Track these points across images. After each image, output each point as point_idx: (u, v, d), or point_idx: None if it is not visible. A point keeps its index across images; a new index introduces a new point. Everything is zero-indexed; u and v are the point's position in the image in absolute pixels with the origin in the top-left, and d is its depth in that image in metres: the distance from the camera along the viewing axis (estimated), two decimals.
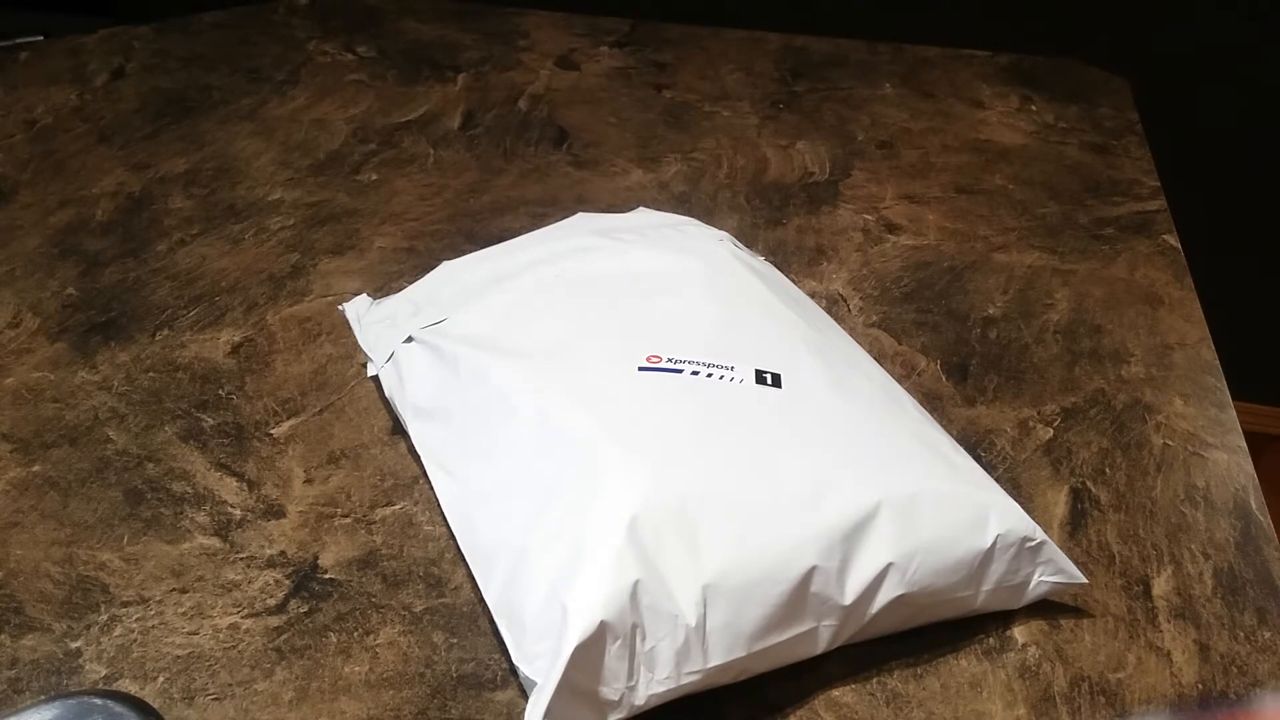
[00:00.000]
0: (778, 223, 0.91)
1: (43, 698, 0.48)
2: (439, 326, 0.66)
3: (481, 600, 0.57)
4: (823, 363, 0.61)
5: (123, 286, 0.80)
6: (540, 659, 0.49)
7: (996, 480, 0.61)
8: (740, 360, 0.60)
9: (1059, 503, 0.65)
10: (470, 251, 0.77)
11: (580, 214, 0.78)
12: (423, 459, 0.62)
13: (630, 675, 0.49)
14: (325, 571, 0.59)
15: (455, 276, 0.72)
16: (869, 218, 0.92)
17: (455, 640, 0.55)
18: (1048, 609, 0.58)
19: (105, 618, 0.56)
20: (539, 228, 0.78)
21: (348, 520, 0.62)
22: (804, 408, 0.58)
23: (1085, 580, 0.57)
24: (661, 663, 0.49)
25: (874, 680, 0.54)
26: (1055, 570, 0.56)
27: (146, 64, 1.14)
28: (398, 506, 0.63)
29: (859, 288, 0.83)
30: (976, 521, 0.55)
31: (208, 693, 0.52)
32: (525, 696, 0.52)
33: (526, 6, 1.33)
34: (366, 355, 0.69)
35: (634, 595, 0.48)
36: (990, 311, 0.81)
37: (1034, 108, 1.11)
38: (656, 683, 0.49)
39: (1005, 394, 0.73)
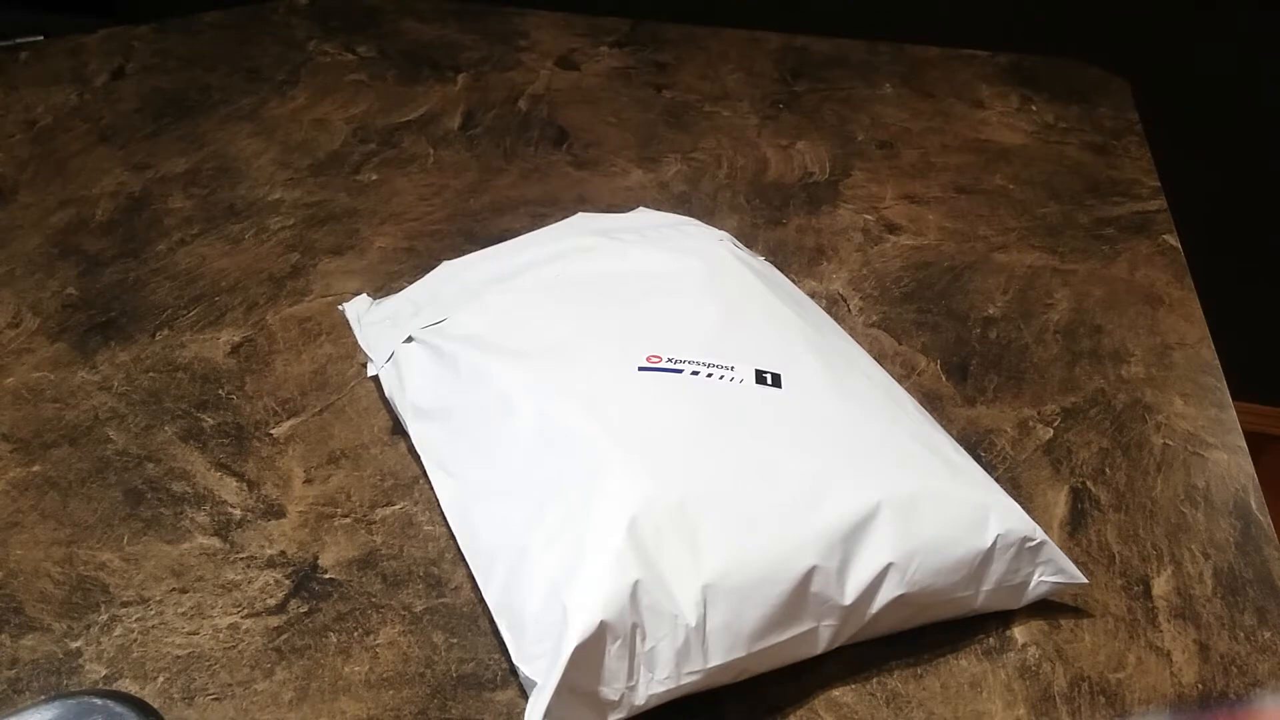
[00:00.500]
0: (778, 223, 0.91)
1: (43, 698, 0.48)
2: (439, 326, 0.66)
3: (481, 600, 0.57)
4: (823, 363, 0.61)
5: (123, 286, 0.80)
6: (540, 659, 0.49)
7: (996, 480, 0.61)
8: (740, 360, 0.60)
9: (1059, 503, 0.65)
10: (470, 251, 0.77)
11: (580, 214, 0.78)
12: (423, 459, 0.62)
13: (630, 675, 0.49)
14: (325, 571, 0.59)
15: (455, 276, 0.72)
16: (869, 218, 0.92)
17: (455, 640, 0.55)
18: (1048, 609, 0.58)
19: (105, 618, 0.56)
20: (539, 228, 0.78)
21: (348, 520, 0.62)
22: (804, 408, 0.58)
23: (1085, 580, 0.57)
24: (661, 663, 0.49)
25: (874, 680, 0.54)
26: (1055, 570, 0.56)
27: (146, 64, 1.14)
28: (398, 506, 0.63)
29: (859, 288, 0.83)
30: (976, 521, 0.55)
31: (208, 693, 0.52)
32: (525, 696, 0.52)
33: (526, 6, 1.33)
34: (366, 355, 0.69)
35: (634, 595, 0.48)
36: (990, 311, 0.81)
37: (1034, 108, 1.11)
38: (656, 683, 0.49)
39: (1005, 394, 0.73)
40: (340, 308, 0.76)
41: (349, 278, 0.82)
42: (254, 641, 0.55)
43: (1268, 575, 0.61)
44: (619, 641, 0.48)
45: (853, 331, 0.78)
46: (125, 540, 0.60)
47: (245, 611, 0.56)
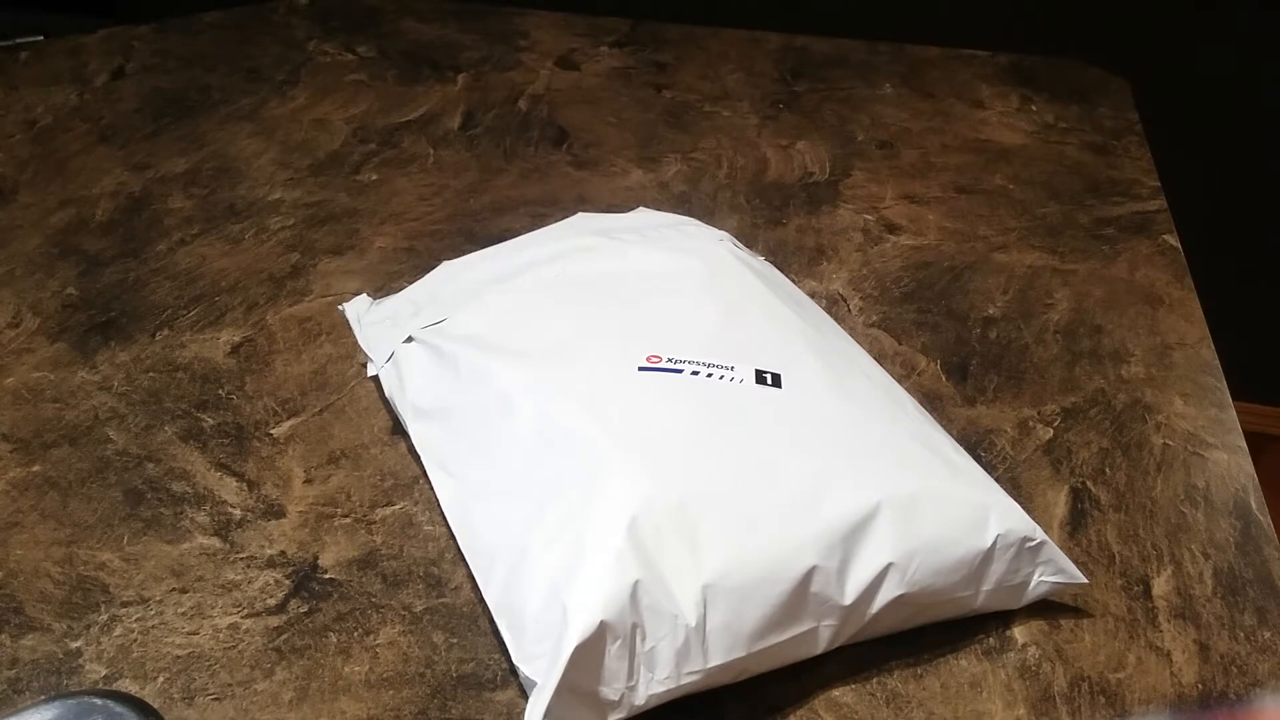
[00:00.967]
0: (778, 223, 0.91)
1: (43, 698, 0.48)
2: (439, 326, 0.66)
3: (481, 600, 0.57)
4: (823, 363, 0.61)
5: (123, 286, 0.80)
6: (540, 659, 0.49)
7: (996, 480, 0.61)
8: (740, 360, 0.60)
9: (1059, 503, 0.65)
10: (470, 251, 0.77)
11: (580, 214, 0.78)
12: (423, 459, 0.62)
13: (630, 675, 0.49)
14: (325, 571, 0.59)
15: (455, 276, 0.72)
16: (869, 218, 0.92)
17: (455, 640, 0.55)
18: (1048, 609, 0.58)
19: (105, 618, 0.56)
20: (539, 228, 0.78)
21: (348, 520, 0.62)
22: (804, 408, 0.58)
23: (1085, 580, 0.57)
24: (661, 663, 0.49)
25: (874, 680, 0.54)
26: (1055, 570, 0.56)
27: (146, 64, 1.14)
28: (398, 506, 0.63)
29: (859, 288, 0.83)
30: (976, 521, 0.55)
31: (208, 693, 0.52)
32: (525, 696, 0.52)
33: (526, 6, 1.33)
34: (366, 355, 0.69)
35: (634, 595, 0.48)
36: (990, 311, 0.81)
37: (1034, 108, 1.11)
38: (656, 683, 0.49)
39: (1005, 394, 0.73)
40: (340, 308, 0.76)
41: (349, 278, 0.82)
42: (254, 641, 0.55)
43: (1268, 575, 0.61)
44: (619, 641, 0.48)
45: (853, 331, 0.78)
46: (125, 540, 0.60)
47: (245, 611, 0.56)
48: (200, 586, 0.58)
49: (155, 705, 0.51)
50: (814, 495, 0.53)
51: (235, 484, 0.64)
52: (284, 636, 0.55)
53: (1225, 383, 0.75)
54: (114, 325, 0.76)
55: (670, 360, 0.59)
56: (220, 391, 0.71)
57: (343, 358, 0.74)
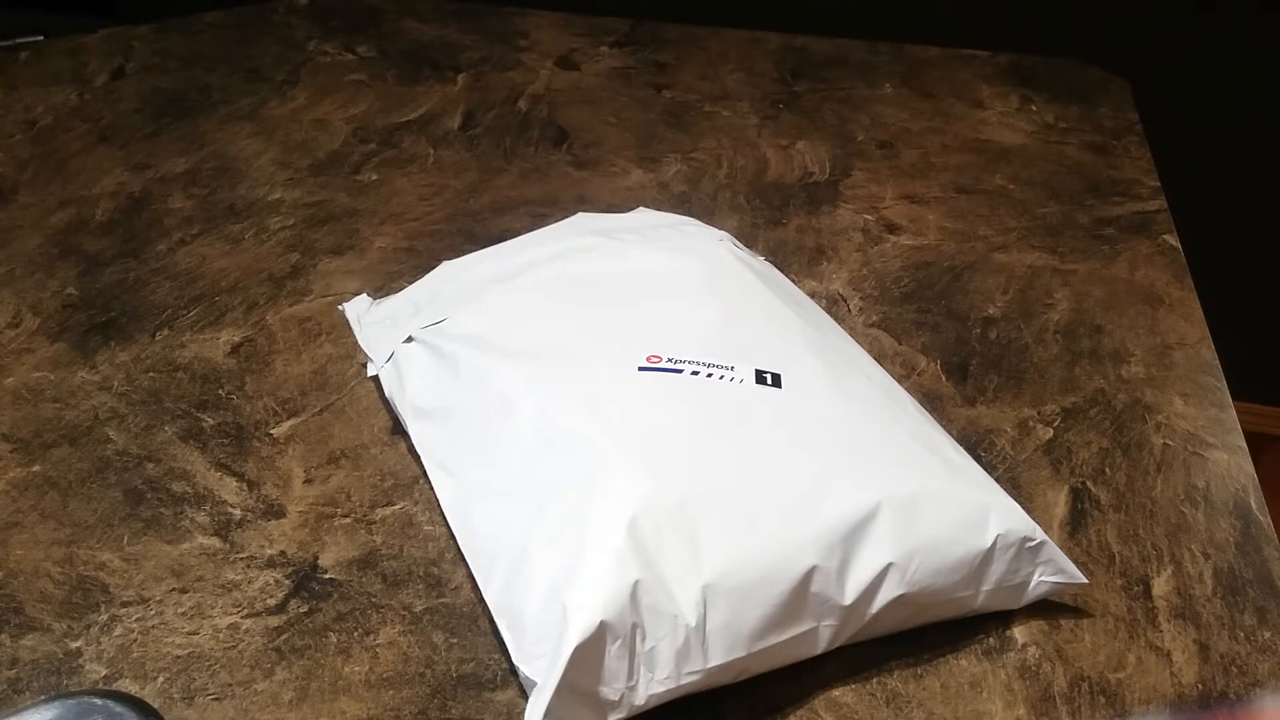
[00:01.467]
0: (778, 223, 0.91)
1: (43, 698, 0.48)
2: (439, 326, 0.66)
3: (481, 600, 0.57)
4: (823, 363, 0.61)
5: (123, 286, 0.80)
6: (540, 659, 0.49)
7: (996, 480, 0.61)
8: (740, 360, 0.60)
9: (1059, 503, 0.65)
10: (470, 251, 0.77)
11: (580, 214, 0.78)
12: (423, 459, 0.62)
13: (630, 675, 0.49)
14: (325, 571, 0.59)
15: (455, 276, 0.72)
16: (869, 218, 0.92)
17: (455, 640, 0.55)
18: (1048, 609, 0.58)
19: (105, 618, 0.56)
20: (539, 228, 0.78)
21: (348, 520, 0.62)
22: (804, 408, 0.58)
23: (1085, 580, 0.57)
24: (661, 663, 0.49)
25: (874, 680, 0.54)
26: (1055, 570, 0.56)
27: (146, 64, 1.14)
28: (398, 506, 0.63)
29: (859, 288, 0.83)
30: (976, 521, 0.55)
31: (208, 693, 0.52)
32: (525, 696, 0.52)
33: (526, 6, 1.33)
34: (366, 355, 0.69)
35: (634, 595, 0.48)
36: (990, 311, 0.81)
37: (1034, 108, 1.11)
38: (656, 683, 0.49)
39: (1005, 394, 0.73)
40: (340, 308, 0.76)
41: (349, 278, 0.82)
42: (254, 641, 0.55)
43: (1268, 575, 0.61)
44: (619, 641, 0.48)
45: (853, 331, 0.78)
46: (125, 540, 0.60)
47: (245, 611, 0.56)
48: (200, 586, 0.58)
49: (155, 705, 0.51)
50: (814, 495, 0.53)
51: (235, 484, 0.64)
52: (284, 636, 0.55)
53: (1225, 383, 0.75)
54: (114, 325, 0.76)
55: (670, 360, 0.59)
56: (220, 391, 0.71)
57: (343, 358, 0.74)
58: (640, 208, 0.81)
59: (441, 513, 0.62)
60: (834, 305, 0.81)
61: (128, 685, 0.52)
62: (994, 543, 0.54)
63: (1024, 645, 0.56)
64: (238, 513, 0.62)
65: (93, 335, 0.75)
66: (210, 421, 0.68)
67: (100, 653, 0.54)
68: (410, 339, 0.66)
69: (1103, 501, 0.65)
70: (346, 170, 0.96)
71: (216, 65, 1.14)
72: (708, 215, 0.91)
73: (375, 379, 0.71)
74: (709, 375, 0.59)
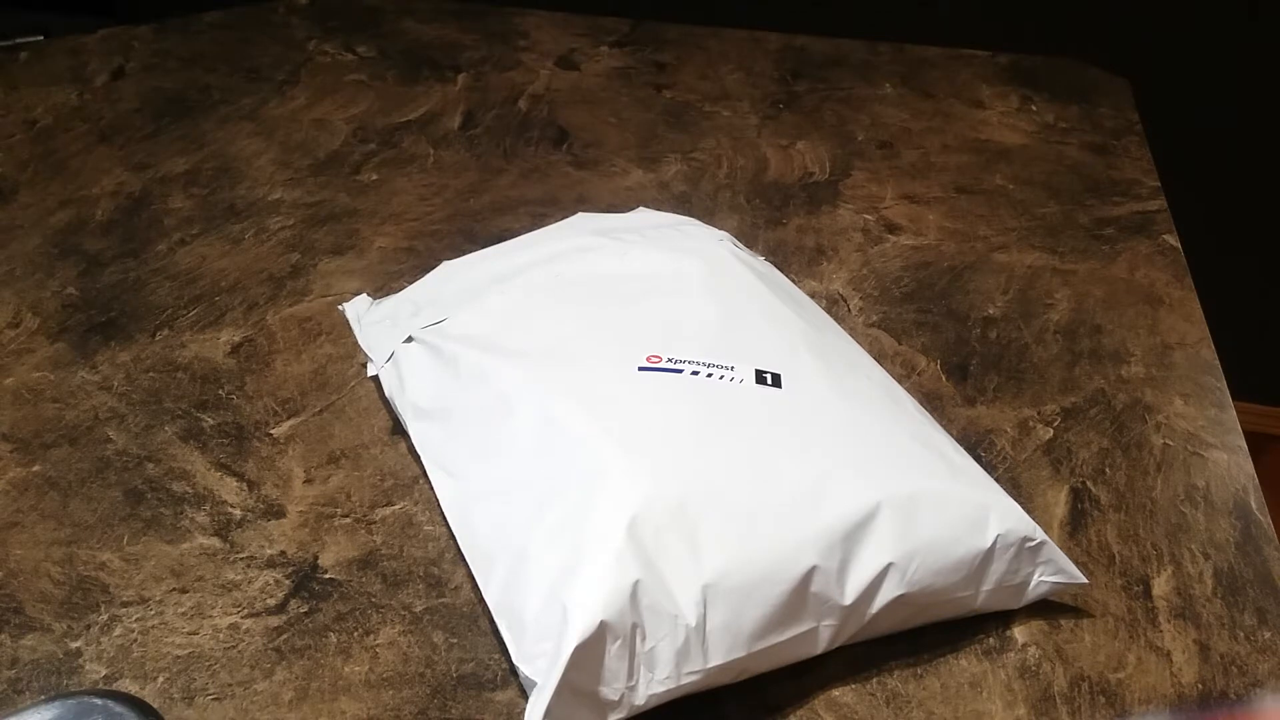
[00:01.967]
0: (778, 223, 0.91)
1: (43, 698, 0.48)
2: (439, 326, 0.66)
3: (481, 600, 0.57)
4: (823, 363, 0.61)
5: (123, 286, 0.80)
6: (540, 659, 0.49)
7: (996, 480, 0.61)
8: (740, 360, 0.60)
9: (1059, 503, 0.65)
10: (470, 251, 0.77)
11: (580, 214, 0.78)
12: (423, 459, 0.62)
13: (630, 675, 0.49)
14: (325, 571, 0.59)
15: (455, 276, 0.72)
16: (869, 218, 0.92)
17: (455, 640, 0.55)
18: (1048, 609, 0.58)
19: (105, 618, 0.56)
20: (539, 228, 0.78)
21: (348, 520, 0.62)
22: (804, 408, 0.58)
23: (1085, 580, 0.57)
24: (661, 663, 0.49)
25: (874, 680, 0.54)
26: (1055, 570, 0.56)
27: (146, 64, 1.14)
28: (398, 506, 0.63)
29: (859, 288, 0.83)
30: (976, 521, 0.55)
31: (208, 693, 0.52)
32: (525, 696, 0.52)
33: (526, 6, 1.33)
34: (366, 355, 0.69)
35: (634, 595, 0.48)
36: (990, 311, 0.81)
37: (1034, 108, 1.11)
38: (656, 683, 0.49)
39: (1005, 394, 0.73)
40: (340, 308, 0.76)
41: (349, 278, 0.82)
42: (254, 641, 0.55)
43: (1268, 575, 0.61)
44: (619, 641, 0.48)
45: (853, 331, 0.78)
46: (125, 540, 0.60)
47: (245, 611, 0.56)
48: (200, 586, 0.58)
49: (155, 705, 0.51)
50: (814, 495, 0.53)
51: (235, 484, 0.64)
52: (284, 636, 0.55)
53: (1225, 383, 0.75)
54: (114, 325, 0.76)
55: (670, 360, 0.59)
56: (220, 391, 0.71)
57: (343, 358, 0.74)
58: (640, 208, 0.81)
59: (441, 513, 0.62)
60: (834, 305, 0.81)
61: (128, 685, 0.52)
62: (994, 543, 0.54)
63: (1024, 645, 0.56)
64: (238, 513, 0.62)
65: (93, 335, 0.75)
66: (210, 421, 0.68)
67: (100, 653, 0.54)
68: (410, 339, 0.66)
69: (1103, 501, 0.65)
70: (346, 170, 0.96)
71: (216, 65, 1.14)
72: (708, 215, 0.91)
73: (375, 379, 0.71)
74: (709, 375, 0.59)
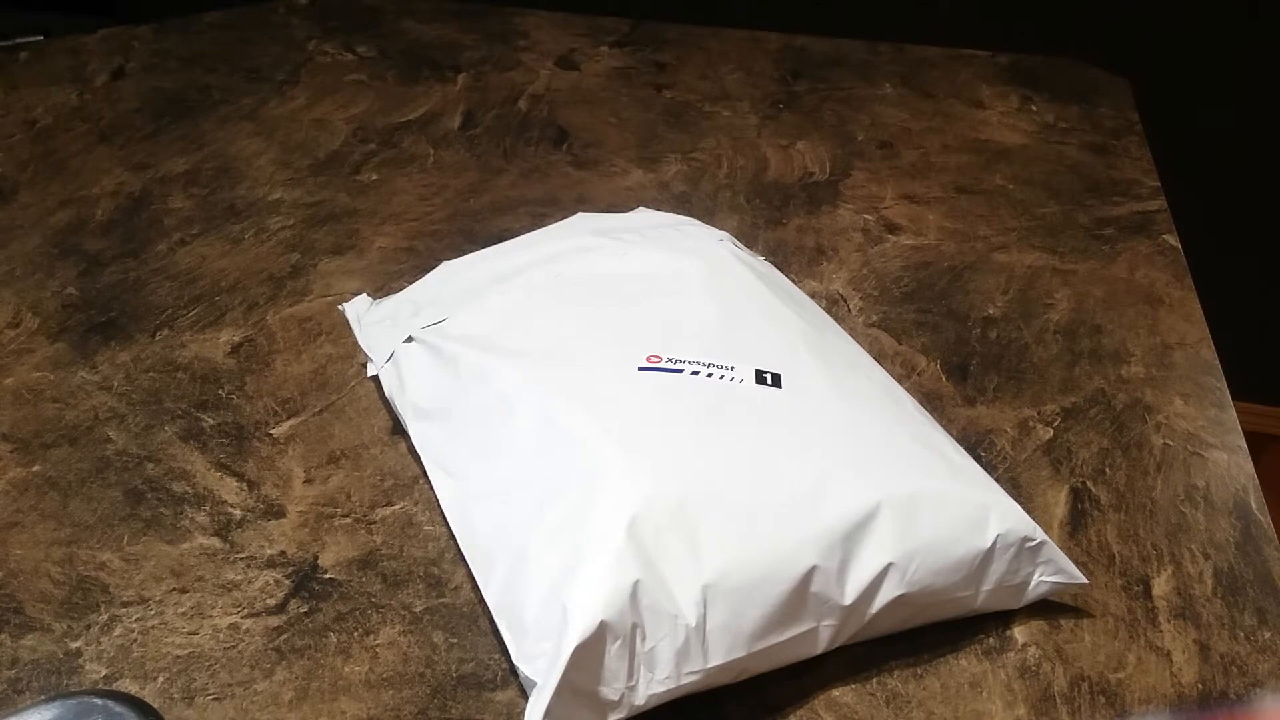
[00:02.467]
0: (778, 223, 0.91)
1: (43, 698, 0.48)
2: (439, 326, 0.66)
3: (481, 600, 0.57)
4: (823, 363, 0.61)
5: (123, 286, 0.80)
6: (540, 659, 0.49)
7: (996, 480, 0.61)
8: (740, 360, 0.60)
9: (1059, 503, 0.65)
10: (470, 251, 0.77)
11: (580, 214, 0.78)
12: (423, 459, 0.62)
13: (630, 675, 0.49)
14: (325, 571, 0.59)
15: (455, 276, 0.72)
16: (869, 218, 0.92)
17: (455, 640, 0.55)
18: (1048, 609, 0.58)
19: (105, 618, 0.56)
20: (539, 228, 0.78)
21: (348, 520, 0.62)
22: (804, 408, 0.58)
23: (1085, 580, 0.57)
24: (661, 663, 0.49)
25: (874, 680, 0.54)
26: (1055, 570, 0.56)
27: (146, 64, 1.14)
28: (398, 506, 0.63)
29: (859, 288, 0.83)
30: (976, 521, 0.55)
31: (208, 693, 0.52)
32: (525, 696, 0.52)
33: (526, 6, 1.33)
34: (366, 355, 0.69)
35: (634, 595, 0.48)
36: (990, 311, 0.81)
37: (1034, 108, 1.11)
38: (656, 683, 0.49)
39: (1005, 394, 0.73)
40: (340, 308, 0.76)
41: (349, 278, 0.82)
42: (254, 641, 0.55)
43: (1268, 575, 0.61)
44: (619, 641, 0.48)
45: (853, 331, 0.78)
46: (125, 540, 0.60)
47: (245, 611, 0.56)
48: (200, 586, 0.58)
49: (155, 705, 0.51)
50: (814, 495, 0.53)
51: (235, 484, 0.64)
52: (284, 636, 0.55)
53: (1225, 383, 0.75)
54: (114, 325, 0.76)
55: (670, 360, 0.59)
56: (220, 391, 0.71)
57: (343, 358, 0.74)
58: (640, 208, 0.81)
59: (441, 513, 0.62)
60: (834, 305, 0.81)
61: (128, 685, 0.52)
62: (994, 543, 0.54)
63: (1024, 645, 0.56)
64: (238, 513, 0.62)
65: (93, 335, 0.75)
66: (210, 421, 0.68)
67: (100, 653, 0.54)
68: (410, 339, 0.66)
69: (1103, 501, 0.65)
70: (346, 170, 0.96)
71: (216, 65, 1.14)
72: (708, 215, 0.91)
73: (375, 379, 0.71)
74: (709, 375, 0.59)
